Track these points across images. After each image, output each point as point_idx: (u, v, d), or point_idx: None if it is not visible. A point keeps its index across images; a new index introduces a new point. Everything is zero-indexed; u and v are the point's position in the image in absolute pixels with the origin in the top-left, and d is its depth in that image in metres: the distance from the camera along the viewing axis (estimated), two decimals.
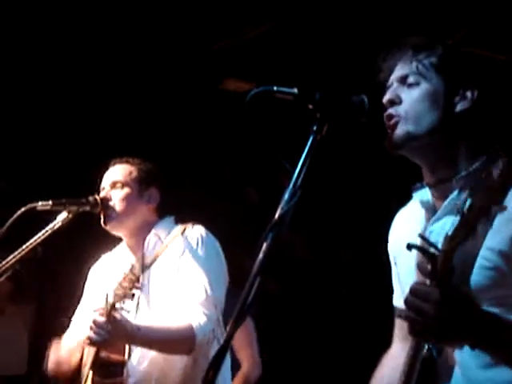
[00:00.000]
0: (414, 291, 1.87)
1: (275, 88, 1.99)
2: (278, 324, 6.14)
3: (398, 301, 2.40)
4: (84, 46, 5.09)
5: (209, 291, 3.22)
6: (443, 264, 1.84)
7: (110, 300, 3.01)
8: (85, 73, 5.30)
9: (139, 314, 3.31)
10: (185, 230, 3.37)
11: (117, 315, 3.01)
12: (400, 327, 2.39)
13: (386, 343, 2.40)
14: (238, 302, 3.69)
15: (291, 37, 4.97)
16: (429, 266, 1.87)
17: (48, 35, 4.95)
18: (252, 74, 5.48)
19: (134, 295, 3.02)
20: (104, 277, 3.48)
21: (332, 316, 6.18)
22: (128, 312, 3.07)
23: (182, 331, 3.15)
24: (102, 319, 2.98)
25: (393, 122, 2.15)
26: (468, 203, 1.83)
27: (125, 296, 2.99)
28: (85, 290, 3.56)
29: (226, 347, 1.93)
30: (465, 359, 2.02)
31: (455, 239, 1.83)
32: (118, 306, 3.00)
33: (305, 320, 6.23)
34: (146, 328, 3.12)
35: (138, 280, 2.99)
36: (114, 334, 2.99)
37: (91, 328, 3.00)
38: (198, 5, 4.69)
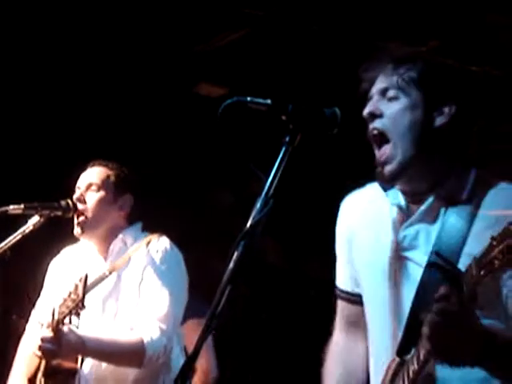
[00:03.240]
0: (439, 312, 1.89)
1: (249, 99, 2.01)
2: (249, 329, 6.15)
3: (343, 283, 2.46)
4: (57, 49, 5.07)
5: (169, 307, 3.24)
6: (470, 289, 1.87)
7: (56, 317, 3.04)
8: (58, 75, 5.27)
9: (105, 322, 3.34)
10: (150, 241, 3.37)
11: (64, 329, 3.03)
12: (342, 309, 2.47)
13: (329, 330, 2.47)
14: (199, 304, 3.71)
15: (266, 43, 4.99)
16: (444, 288, 1.90)
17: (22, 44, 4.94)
18: (226, 79, 5.48)
19: (79, 314, 3.01)
20: (65, 273, 3.48)
21: (302, 320, 6.20)
22: (77, 327, 3.09)
23: (132, 345, 3.18)
24: (48, 334, 3.02)
25: (382, 160, 2.19)
26: (500, 229, 1.83)
27: (69, 314, 3.00)
28: (45, 284, 3.57)
29: (195, 355, 1.94)
30: (445, 374, 2.05)
31: (489, 266, 1.84)
32: (65, 321, 3.03)
33: (275, 324, 6.24)
34: (95, 340, 3.15)
35: (82, 301, 2.97)
36: (61, 347, 3.03)
37: (40, 343, 3.04)
38: (174, 10, 4.69)
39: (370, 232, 2.29)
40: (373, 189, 2.33)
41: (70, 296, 3.03)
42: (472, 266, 1.88)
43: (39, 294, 3.55)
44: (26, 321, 3.55)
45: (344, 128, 2.07)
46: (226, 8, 4.64)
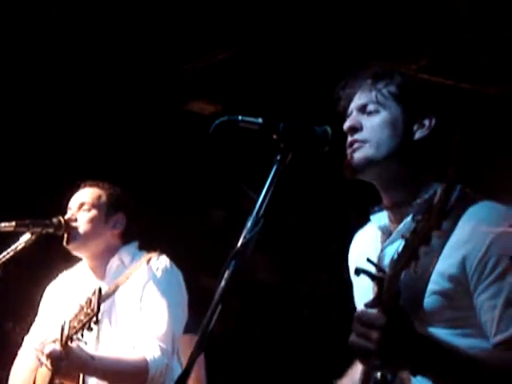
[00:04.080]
0: (358, 317, 1.89)
1: (240, 117, 2.01)
2: (241, 348, 6.14)
3: None
4: (51, 68, 5.08)
5: (168, 326, 3.24)
6: (388, 289, 1.87)
7: (66, 332, 3.01)
8: (50, 95, 5.28)
9: (100, 340, 3.32)
10: (150, 259, 3.38)
11: (73, 346, 3.01)
12: None
13: (347, 364, 2.44)
14: (192, 319, 3.71)
15: (257, 61, 5.01)
16: (376, 291, 1.90)
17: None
18: (218, 96, 5.50)
19: (92, 329, 2.99)
20: (62, 296, 3.48)
21: (293, 337, 6.19)
22: (86, 344, 3.08)
23: (136, 364, 3.18)
24: (58, 349, 3.00)
25: (353, 147, 2.19)
26: (411, 228, 1.86)
27: (82, 329, 2.97)
28: (40, 309, 3.54)
29: (187, 372, 1.94)
30: (420, 383, 2.03)
31: (398, 264, 1.87)
32: (74, 337, 3.00)
33: (266, 340, 6.23)
34: (100, 358, 3.14)
35: (96, 314, 2.94)
36: (70, 364, 3.02)
37: (47, 357, 3.01)
38: (167, 28, 4.70)
39: (362, 266, 2.30)
40: (371, 226, 2.33)
41: (82, 310, 3.00)
42: (388, 268, 1.89)
43: (34, 319, 3.54)
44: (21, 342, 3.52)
45: (335, 145, 2.09)
46: (217, 26, 4.66)
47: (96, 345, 3.31)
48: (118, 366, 3.20)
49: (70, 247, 3.39)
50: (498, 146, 5.11)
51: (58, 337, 3.04)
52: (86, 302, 3.00)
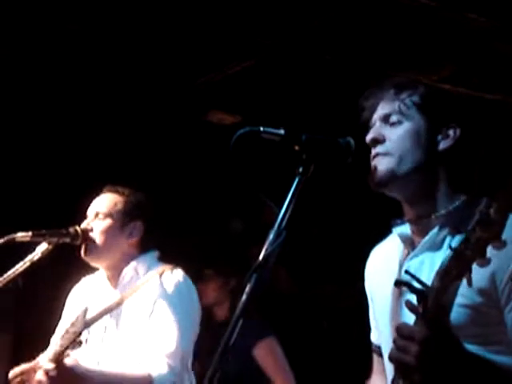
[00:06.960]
0: (399, 330, 1.85)
1: (261, 128, 1.98)
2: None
3: (374, 337, 2.40)
4: (70, 78, 5.09)
5: (178, 343, 3.17)
6: (434, 301, 1.82)
7: (57, 348, 2.96)
8: (70, 103, 5.29)
9: (104, 351, 3.28)
10: (163, 273, 3.32)
11: (66, 361, 2.95)
12: (377, 362, 2.40)
13: (366, 376, 2.40)
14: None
15: (278, 71, 5.00)
16: (418, 303, 1.85)
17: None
18: (238, 107, 5.48)
19: (81, 344, 2.95)
20: (82, 300, 3.45)
21: (313, 349, 6.16)
22: (85, 342, 3.06)
23: (140, 380, 3.11)
24: (49, 365, 2.94)
25: (376, 159, 2.16)
26: (460, 239, 1.81)
27: (67, 347, 2.92)
28: (64, 312, 3.53)
29: None
30: None
31: (448, 276, 1.82)
32: (65, 353, 2.94)
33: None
34: (102, 373, 3.09)
35: (79, 336, 2.90)
36: (62, 380, 2.95)
37: (42, 377, 2.95)
38: (187, 38, 4.70)
39: (383, 279, 2.24)
40: (391, 239, 2.30)
41: (71, 327, 2.98)
42: (435, 279, 1.84)
43: (58, 323, 3.51)
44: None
45: (359, 157, 2.05)
46: (238, 36, 4.65)
47: (100, 346, 3.27)
48: (121, 381, 3.14)
49: (88, 259, 3.37)
50: None
51: (50, 354, 2.99)
52: (75, 320, 2.98)
